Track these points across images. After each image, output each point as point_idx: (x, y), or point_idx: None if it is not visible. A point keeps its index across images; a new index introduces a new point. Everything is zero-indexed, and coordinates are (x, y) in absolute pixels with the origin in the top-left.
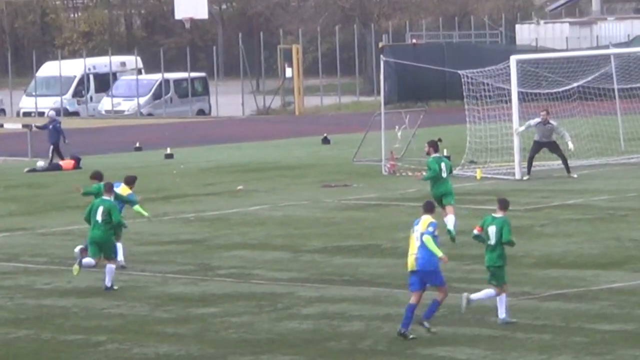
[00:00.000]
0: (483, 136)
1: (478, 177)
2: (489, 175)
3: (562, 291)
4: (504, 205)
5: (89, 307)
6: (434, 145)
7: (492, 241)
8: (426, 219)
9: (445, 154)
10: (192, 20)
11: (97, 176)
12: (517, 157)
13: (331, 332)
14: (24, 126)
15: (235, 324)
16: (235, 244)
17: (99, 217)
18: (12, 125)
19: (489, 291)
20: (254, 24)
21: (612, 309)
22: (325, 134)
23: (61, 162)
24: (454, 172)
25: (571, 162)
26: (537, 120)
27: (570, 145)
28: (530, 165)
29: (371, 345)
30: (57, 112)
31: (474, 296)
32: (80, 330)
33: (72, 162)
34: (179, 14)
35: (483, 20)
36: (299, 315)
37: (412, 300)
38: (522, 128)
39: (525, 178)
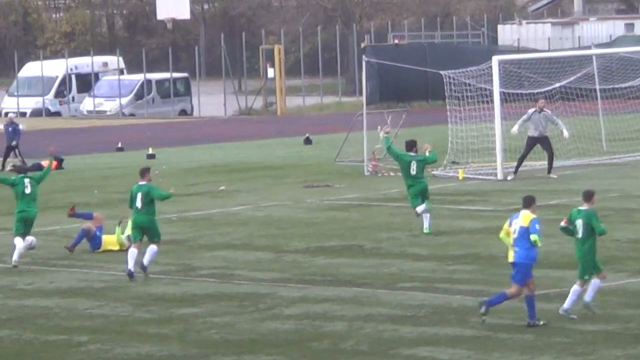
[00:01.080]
0: (465, 137)
1: (460, 178)
2: (471, 176)
3: (545, 291)
4: (588, 197)
5: (71, 307)
6: (413, 145)
7: (580, 234)
8: (527, 214)
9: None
10: (174, 21)
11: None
12: (499, 158)
13: (313, 333)
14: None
15: (217, 324)
16: (217, 244)
17: (138, 204)
18: None
19: (575, 288)
20: (236, 25)
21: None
22: (307, 135)
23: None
24: (436, 172)
25: (555, 162)
26: (531, 110)
27: (566, 133)
28: (519, 164)
29: (353, 346)
30: (39, 112)
31: (588, 298)
32: (63, 330)
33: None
34: (161, 14)
35: (465, 20)
36: (281, 315)
37: (526, 291)
38: (516, 127)
39: (509, 178)
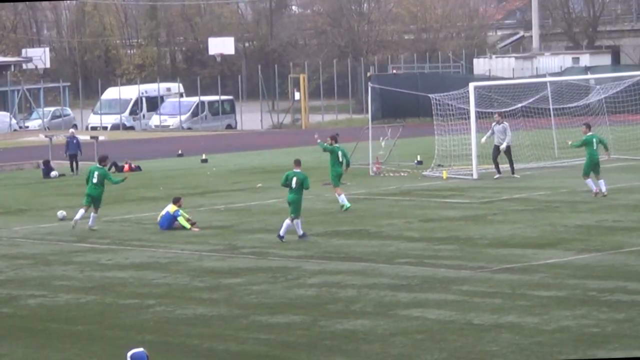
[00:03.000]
0: (448, 145)
1: (444, 177)
2: (453, 176)
3: (510, 265)
4: None
5: (142, 278)
6: (335, 138)
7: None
8: None
9: (418, 159)
10: (222, 55)
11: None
12: (474, 162)
13: (330, 297)
14: (92, 137)
15: (255, 291)
16: (255, 229)
17: (294, 185)
18: (83, 137)
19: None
20: (270, 58)
21: (548, 279)
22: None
23: (125, 167)
24: (425, 173)
25: (516, 165)
26: (493, 124)
27: (503, 146)
28: (497, 165)
29: (361, 308)
30: (117, 126)
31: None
32: (135, 295)
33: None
34: (212, 50)
35: (448, 55)
36: (305, 284)
37: None
38: (484, 139)
39: (495, 177)
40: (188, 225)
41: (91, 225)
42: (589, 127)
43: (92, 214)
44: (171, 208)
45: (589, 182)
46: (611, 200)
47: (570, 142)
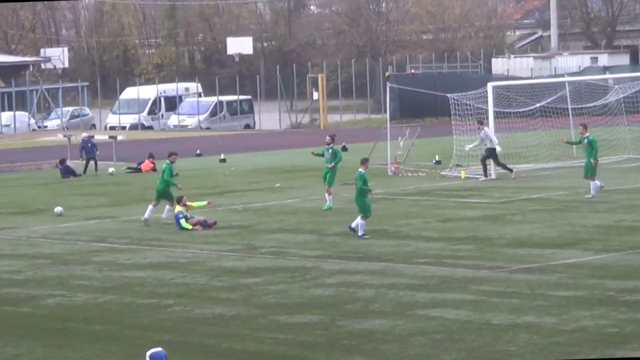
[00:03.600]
0: (466, 145)
1: (462, 177)
2: (471, 176)
3: (528, 265)
4: None
5: (160, 277)
6: (333, 137)
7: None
8: None
9: (436, 159)
10: (240, 55)
11: None
12: (492, 162)
13: (348, 297)
14: (110, 137)
15: (274, 291)
16: (274, 229)
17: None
18: (101, 136)
19: None
20: (289, 58)
21: (566, 279)
22: (343, 144)
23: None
24: (443, 172)
25: (534, 165)
26: (479, 131)
27: (467, 147)
28: (504, 167)
29: (379, 307)
30: (136, 126)
31: None
32: (154, 295)
33: (151, 164)
34: (230, 50)
35: (466, 55)
36: (323, 284)
37: None
38: (471, 145)
39: (513, 177)
40: (190, 227)
41: (164, 218)
42: (585, 127)
43: (166, 206)
44: (176, 208)
45: (593, 184)
46: (630, 200)
47: (565, 140)
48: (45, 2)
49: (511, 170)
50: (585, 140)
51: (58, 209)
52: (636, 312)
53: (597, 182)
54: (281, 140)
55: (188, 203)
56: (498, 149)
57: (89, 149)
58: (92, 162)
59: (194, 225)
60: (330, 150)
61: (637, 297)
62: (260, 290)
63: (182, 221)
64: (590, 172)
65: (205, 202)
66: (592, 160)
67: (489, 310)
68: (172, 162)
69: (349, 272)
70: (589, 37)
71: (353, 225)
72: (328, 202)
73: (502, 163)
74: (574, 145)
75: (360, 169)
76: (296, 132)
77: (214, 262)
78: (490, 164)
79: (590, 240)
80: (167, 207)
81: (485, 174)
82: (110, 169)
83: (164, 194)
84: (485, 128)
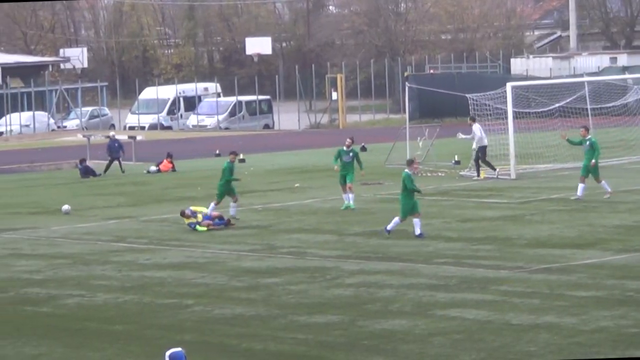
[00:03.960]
0: (459, 133)
1: (481, 177)
2: (490, 176)
3: (548, 266)
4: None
5: (180, 277)
6: (352, 140)
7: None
8: None
9: (456, 159)
10: (259, 55)
11: None
12: (512, 162)
13: (368, 297)
14: (130, 137)
15: (293, 291)
16: (293, 229)
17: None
18: (120, 136)
19: None
20: (308, 58)
21: (586, 279)
22: (363, 144)
23: (161, 166)
24: (462, 173)
25: (554, 166)
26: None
27: (460, 136)
28: (477, 167)
29: (399, 307)
30: (155, 126)
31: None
32: (174, 295)
33: (169, 164)
34: (249, 50)
35: (485, 55)
36: (343, 284)
37: None
38: (464, 136)
39: (474, 179)
40: (205, 229)
41: (232, 215)
42: (587, 129)
43: (231, 203)
44: (185, 220)
45: (603, 184)
46: None
47: (567, 138)
48: (65, 2)
49: (494, 169)
50: (587, 143)
51: (65, 207)
52: None
53: (604, 182)
54: (300, 141)
55: (193, 208)
56: (482, 143)
57: (115, 149)
58: (116, 162)
59: (207, 226)
60: (350, 154)
61: None
62: (280, 290)
63: (197, 227)
64: (595, 173)
65: (205, 229)
66: (592, 162)
67: (509, 310)
68: (232, 162)
69: (368, 272)
70: (608, 37)
71: (389, 227)
72: (348, 201)
73: (488, 162)
74: (574, 145)
75: (406, 170)
76: (315, 132)
77: (234, 262)
78: (473, 165)
79: (610, 240)
80: (232, 203)
81: (478, 174)
82: (152, 167)
83: (227, 192)
84: (475, 125)
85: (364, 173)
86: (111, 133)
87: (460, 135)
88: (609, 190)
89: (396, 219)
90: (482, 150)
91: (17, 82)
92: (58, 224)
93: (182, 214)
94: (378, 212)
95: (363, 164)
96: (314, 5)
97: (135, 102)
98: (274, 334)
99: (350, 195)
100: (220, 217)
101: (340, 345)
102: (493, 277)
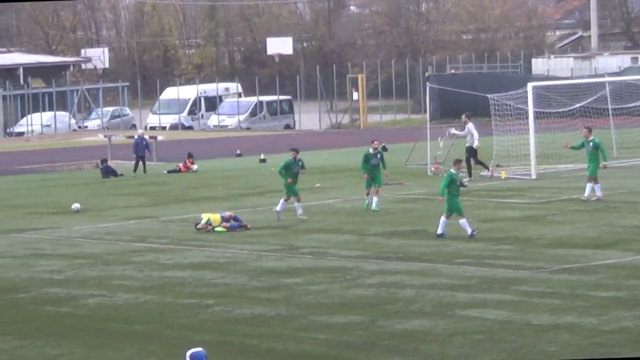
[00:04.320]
0: (506, 145)
1: (503, 177)
2: (511, 176)
3: (568, 266)
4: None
5: (200, 277)
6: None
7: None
8: None
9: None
10: (280, 55)
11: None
12: (533, 162)
13: (389, 297)
14: (151, 137)
15: (314, 291)
16: (314, 229)
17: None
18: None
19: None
20: (329, 58)
21: (607, 280)
22: (384, 144)
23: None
24: (483, 173)
25: (575, 166)
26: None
27: (476, 143)
28: (469, 168)
29: (420, 308)
30: (176, 126)
31: None
32: (194, 295)
33: (191, 164)
34: (270, 51)
35: (506, 55)
36: (363, 284)
37: None
38: (456, 132)
39: (466, 180)
40: (224, 229)
41: (299, 214)
42: (590, 130)
43: (295, 203)
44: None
45: (597, 187)
46: None
47: (570, 146)
48: (86, 2)
49: (488, 168)
50: (591, 144)
51: (75, 205)
52: None
53: (598, 185)
54: (321, 141)
55: (204, 214)
56: (476, 143)
57: (141, 147)
58: (140, 162)
59: (225, 227)
60: (378, 156)
61: None
62: (301, 290)
63: (216, 228)
64: (593, 174)
65: (224, 229)
66: (604, 164)
67: (529, 310)
68: (293, 158)
69: (389, 272)
70: (630, 37)
71: (439, 232)
72: (374, 204)
73: (481, 161)
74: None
75: (451, 170)
76: (336, 133)
77: (254, 262)
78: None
79: (630, 240)
80: (297, 204)
81: (470, 174)
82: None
83: (289, 190)
84: (470, 123)
85: (387, 173)
86: (140, 131)
87: (453, 131)
88: (599, 194)
89: (461, 221)
90: (469, 150)
91: (38, 82)
92: (79, 224)
93: (196, 225)
94: (398, 212)
95: (386, 164)
96: (335, 5)
97: (156, 102)
98: (295, 334)
99: (375, 199)
100: (235, 218)
101: (360, 346)
102: (513, 277)
